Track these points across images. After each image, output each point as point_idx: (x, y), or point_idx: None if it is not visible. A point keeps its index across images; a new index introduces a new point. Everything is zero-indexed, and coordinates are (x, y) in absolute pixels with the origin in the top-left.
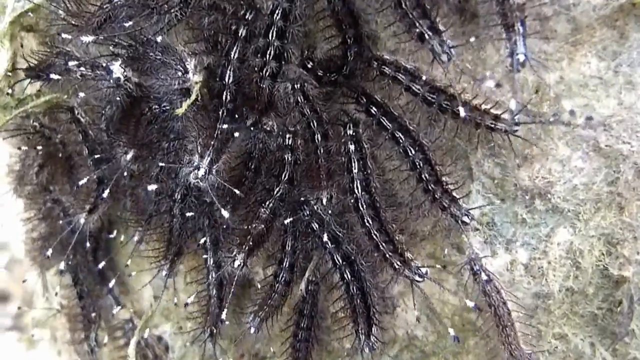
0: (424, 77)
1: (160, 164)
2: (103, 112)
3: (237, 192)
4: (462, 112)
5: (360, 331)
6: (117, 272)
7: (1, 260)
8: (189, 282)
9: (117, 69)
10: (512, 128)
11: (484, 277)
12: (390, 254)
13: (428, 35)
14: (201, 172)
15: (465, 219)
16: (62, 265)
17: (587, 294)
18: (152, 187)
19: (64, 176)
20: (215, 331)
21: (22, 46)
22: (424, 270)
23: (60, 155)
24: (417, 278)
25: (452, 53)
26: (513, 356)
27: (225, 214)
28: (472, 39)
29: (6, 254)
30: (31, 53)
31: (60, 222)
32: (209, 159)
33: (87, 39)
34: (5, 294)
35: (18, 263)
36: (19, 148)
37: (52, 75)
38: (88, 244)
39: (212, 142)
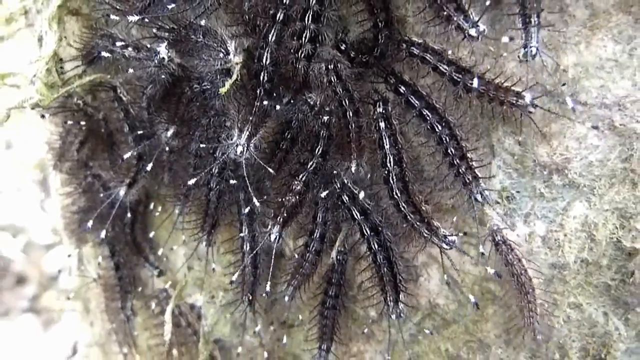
0: (450, 57)
1: (201, 143)
2: (144, 91)
3: (271, 170)
4: (476, 83)
5: (388, 298)
6: (152, 245)
7: (18, 244)
8: (222, 252)
9: (164, 50)
10: (529, 109)
11: (505, 247)
12: (418, 223)
13: (455, 15)
14: (240, 149)
15: (479, 197)
16: (102, 234)
17: (601, 265)
18: (191, 182)
19: (104, 152)
20: (252, 299)
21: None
22: (452, 238)
23: (101, 132)
24: (445, 246)
25: (480, 27)
26: (531, 323)
27: (257, 203)
28: (505, 38)
29: (23, 238)
30: (74, 36)
31: (100, 196)
32: (247, 133)
33: (133, 18)
34: (22, 276)
35: (34, 247)
36: (66, 122)
37: (103, 53)
38: (129, 215)
39: (251, 118)
